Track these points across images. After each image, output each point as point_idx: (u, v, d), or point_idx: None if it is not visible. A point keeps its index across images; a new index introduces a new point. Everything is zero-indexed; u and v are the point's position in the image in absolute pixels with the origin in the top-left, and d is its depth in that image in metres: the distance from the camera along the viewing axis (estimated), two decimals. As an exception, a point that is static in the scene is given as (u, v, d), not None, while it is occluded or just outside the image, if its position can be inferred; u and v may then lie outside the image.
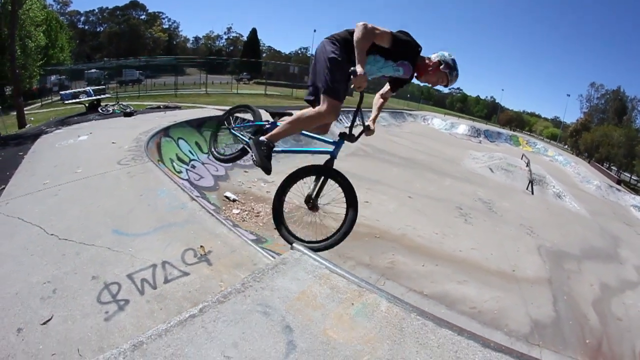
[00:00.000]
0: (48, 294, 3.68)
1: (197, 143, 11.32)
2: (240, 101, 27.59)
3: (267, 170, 3.82)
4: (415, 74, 3.89)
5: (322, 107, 3.55)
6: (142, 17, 74.20)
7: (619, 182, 37.75)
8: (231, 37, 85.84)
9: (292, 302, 3.16)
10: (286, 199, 4.21)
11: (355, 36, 3.30)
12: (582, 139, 62.81)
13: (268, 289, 3.30)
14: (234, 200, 9.48)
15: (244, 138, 4.58)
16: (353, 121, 4.08)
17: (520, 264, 10.10)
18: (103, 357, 2.31)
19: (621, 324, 8.80)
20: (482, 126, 48.37)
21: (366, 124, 4.09)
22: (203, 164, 10.71)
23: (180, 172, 9.25)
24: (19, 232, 4.64)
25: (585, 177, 29.94)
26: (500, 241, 11.35)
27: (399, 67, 3.79)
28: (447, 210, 12.99)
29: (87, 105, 14.65)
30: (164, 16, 78.04)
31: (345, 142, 4.03)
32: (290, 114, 4.02)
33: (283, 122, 3.99)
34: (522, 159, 25.66)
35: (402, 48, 3.62)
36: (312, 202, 4.16)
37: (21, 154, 8.06)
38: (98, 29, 71.95)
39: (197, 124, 11.95)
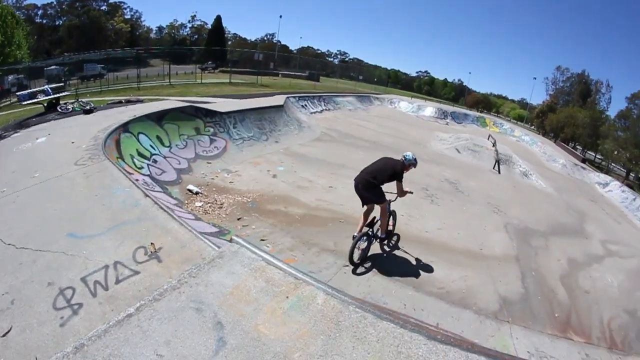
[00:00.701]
0: (7, 305, 3.71)
1: (158, 137, 10.93)
2: (205, 91, 27.00)
3: None
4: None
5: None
6: (103, 7, 71.74)
7: (584, 160, 38.63)
8: (195, 26, 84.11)
9: (225, 297, 3.11)
10: None
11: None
12: (548, 120, 64.31)
13: (203, 285, 3.27)
14: (197, 193, 9.20)
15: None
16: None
17: (487, 242, 10.07)
18: (48, 361, 2.16)
19: (589, 296, 8.87)
20: (449, 108, 48.60)
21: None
22: (165, 157, 10.38)
23: (141, 167, 8.99)
24: (-24, 245, 4.56)
25: (552, 156, 30.41)
26: (467, 220, 11.29)
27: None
28: (412, 191, 12.79)
29: (45, 104, 13.95)
30: (125, 6, 75.69)
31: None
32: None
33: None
34: (488, 139, 25.86)
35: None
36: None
37: (-21, 161, 7.72)
38: (57, 23, 68.99)
39: (158, 117, 11.53)
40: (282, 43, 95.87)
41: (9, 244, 4.56)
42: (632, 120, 50.76)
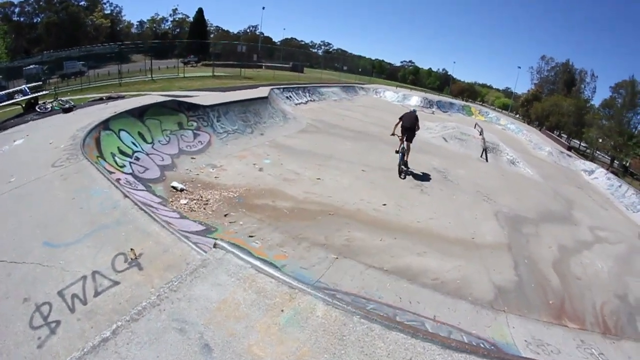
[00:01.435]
0: (-18, 325, 3.39)
1: (140, 133, 10.54)
2: (187, 85, 26.61)
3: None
4: None
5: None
6: (82, 3, 70.06)
7: (569, 148, 38.97)
8: (177, 19, 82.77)
9: (212, 313, 2.81)
10: None
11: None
12: (533, 109, 64.91)
13: (185, 300, 2.95)
14: (181, 190, 8.90)
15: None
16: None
17: (478, 231, 10.00)
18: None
19: (581, 282, 8.88)
20: (435, 97, 48.64)
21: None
22: (147, 154, 10.02)
23: (123, 166, 8.64)
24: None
25: (537, 144, 30.53)
26: (458, 209, 11.20)
27: None
28: (402, 181, 12.74)
29: (23, 105, 13.54)
30: (104, 1, 74.05)
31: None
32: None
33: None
34: (475, 127, 25.85)
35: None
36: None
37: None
38: (35, 20, 67.10)
39: (139, 113, 11.11)
40: (266, 35, 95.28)
41: (-17, 257, 4.28)
42: (616, 109, 51.62)
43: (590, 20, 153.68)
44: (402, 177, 13.01)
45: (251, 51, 57.40)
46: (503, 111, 68.81)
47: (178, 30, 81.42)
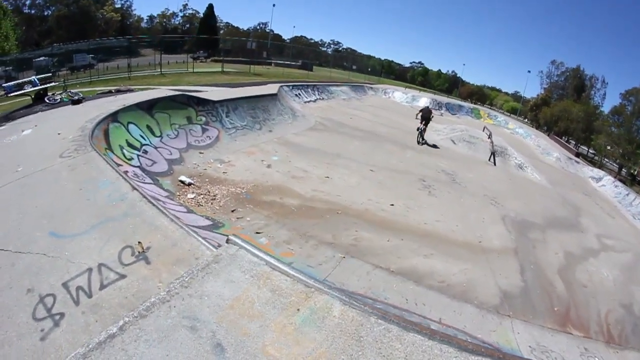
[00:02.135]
0: (-16, 315, 3.32)
1: (148, 126, 10.57)
2: (196, 81, 26.62)
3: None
4: None
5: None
6: (93, -4, 70.32)
7: (577, 154, 38.67)
8: (187, 15, 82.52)
9: (224, 311, 2.70)
10: None
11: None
12: (542, 113, 64.33)
13: (197, 297, 2.84)
14: (189, 184, 8.92)
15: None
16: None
17: (485, 234, 9.95)
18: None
19: (586, 290, 8.83)
20: (444, 99, 48.38)
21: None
22: (156, 148, 10.06)
23: (131, 158, 8.66)
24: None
25: (545, 149, 30.34)
26: (465, 212, 11.17)
27: None
28: (410, 182, 12.73)
29: (32, 96, 13.57)
30: (115, -5, 74.31)
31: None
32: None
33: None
34: (483, 131, 25.69)
35: None
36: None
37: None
38: (46, 13, 67.17)
39: (148, 106, 11.15)
40: (275, 32, 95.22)
41: (-13, 246, 4.21)
42: (625, 117, 50.99)
43: (602, 26, 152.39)
44: (420, 144, 19.61)
45: (261, 48, 57.50)
46: (511, 115, 68.30)
47: (188, 25, 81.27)
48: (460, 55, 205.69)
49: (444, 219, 10.20)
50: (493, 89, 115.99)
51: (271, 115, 16.36)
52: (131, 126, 9.86)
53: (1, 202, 5.20)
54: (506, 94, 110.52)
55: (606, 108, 65.30)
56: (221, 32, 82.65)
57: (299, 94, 24.75)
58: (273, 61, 57.49)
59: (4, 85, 15.38)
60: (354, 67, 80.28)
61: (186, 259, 3.93)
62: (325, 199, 9.61)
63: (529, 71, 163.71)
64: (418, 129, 19.91)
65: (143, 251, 4.11)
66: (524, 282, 8.11)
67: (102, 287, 3.66)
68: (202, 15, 73.47)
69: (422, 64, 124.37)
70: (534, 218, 12.53)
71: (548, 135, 48.28)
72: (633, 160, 46.82)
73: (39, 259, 4.00)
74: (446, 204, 11.53)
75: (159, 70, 33.54)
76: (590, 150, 58.06)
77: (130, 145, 9.24)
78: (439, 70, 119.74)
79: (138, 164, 8.63)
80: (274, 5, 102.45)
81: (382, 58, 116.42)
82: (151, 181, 8.05)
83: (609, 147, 50.83)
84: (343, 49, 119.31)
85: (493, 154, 20.28)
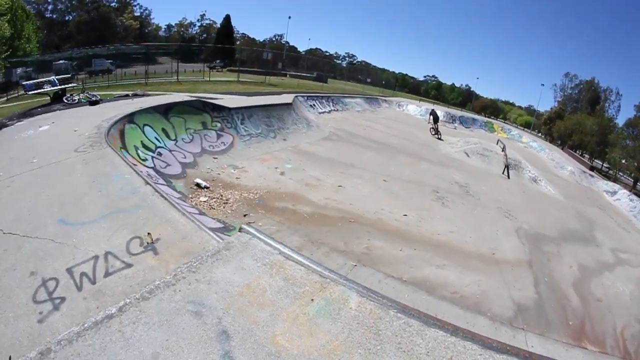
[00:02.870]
0: (-17, 294, 3.31)
1: (163, 129, 10.75)
2: (212, 89, 26.87)
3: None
4: None
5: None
6: (113, 4, 71.55)
7: (591, 168, 38.18)
8: (204, 25, 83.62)
9: (233, 298, 2.59)
10: None
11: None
12: (556, 127, 63.59)
13: (204, 282, 2.75)
14: (204, 187, 9.04)
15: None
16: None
17: (499, 246, 9.87)
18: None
19: (601, 304, 8.69)
20: (458, 112, 48.35)
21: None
22: (170, 151, 10.20)
23: (145, 159, 8.80)
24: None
25: (559, 162, 30.10)
26: (479, 224, 11.09)
27: None
28: (423, 193, 12.69)
29: (51, 95, 13.85)
30: (135, 3, 75.47)
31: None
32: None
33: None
34: (497, 144, 25.57)
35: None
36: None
37: (-21, 149, 7.52)
38: (67, 18, 68.63)
39: (164, 110, 11.35)
40: (291, 44, 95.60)
41: (-3, 229, 4.27)
42: (640, 129, 50.32)
43: (616, 38, 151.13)
44: (437, 138, 25.79)
45: (276, 59, 57.86)
46: (525, 129, 67.75)
47: (205, 35, 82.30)
48: (474, 69, 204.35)
49: (458, 230, 10.14)
50: (507, 102, 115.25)
51: (286, 124, 16.48)
52: (147, 128, 10.02)
53: (14, 190, 5.30)
54: (520, 107, 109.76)
55: (621, 120, 64.68)
56: (237, 42, 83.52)
57: (314, 105, 24.89)
58: (288, 72, 57.81)
59: (24, 83, 15.69)
60: (368, 80, 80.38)
61: (195, 252, 3.90)
62: (338, 208, 9.62)
63: (543, 84, 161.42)
64: (431, 127, 26.82)
65: (152, 242, 4.12)
66: (537, 295, 8.00)
67: (107, 274, 3.67)
68: (219, 25, 74.41)
69: (436, 77, 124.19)
70: (548, 231, 12.39)
71: (562, 149, 47.88)
72: (648, 173, 46.09)
73: (45, 244, 4.03)
74: (460, 215, 11.46)
75: (176, 77, 33.92)
76: (605, 164, 57.30)
77: (145, 146, 9.39)
78: (453, 84, 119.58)
79: (152, 166, 8.76)
80: (289, 17, 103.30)
81: (396, 71, 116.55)
82: (164, 182, 8.14)
83: (623, 161, 50.07)
84: (357, 61, 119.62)
85: (507, 166, 20.16)
